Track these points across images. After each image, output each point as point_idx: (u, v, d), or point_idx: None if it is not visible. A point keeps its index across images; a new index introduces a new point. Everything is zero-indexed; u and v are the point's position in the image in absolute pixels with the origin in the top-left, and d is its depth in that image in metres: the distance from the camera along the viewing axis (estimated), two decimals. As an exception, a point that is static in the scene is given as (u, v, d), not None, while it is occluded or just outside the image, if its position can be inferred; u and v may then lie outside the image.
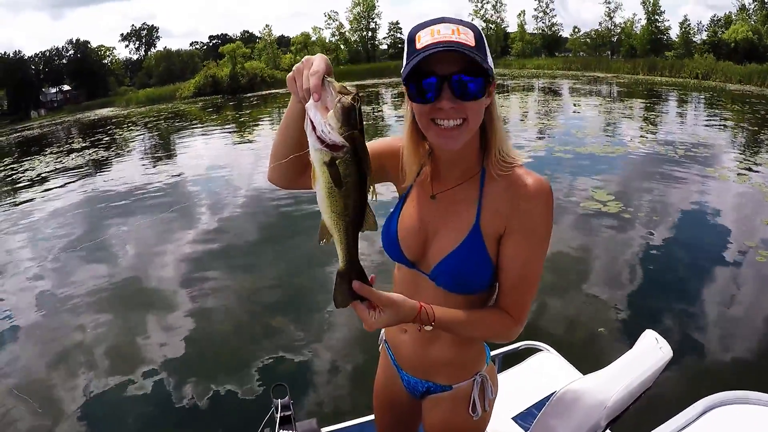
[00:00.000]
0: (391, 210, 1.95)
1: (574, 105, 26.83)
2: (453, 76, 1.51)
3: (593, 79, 48.40)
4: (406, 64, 1.55)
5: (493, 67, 1.58)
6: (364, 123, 1.32)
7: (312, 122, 1.28)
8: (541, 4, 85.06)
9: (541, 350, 3.49)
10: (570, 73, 58.43)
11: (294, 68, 1.44)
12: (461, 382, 2.02)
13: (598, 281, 6.74)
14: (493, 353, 3.29)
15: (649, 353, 2.46)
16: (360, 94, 1.29)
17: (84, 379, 5.65)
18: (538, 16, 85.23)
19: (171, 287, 7.78)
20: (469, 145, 1.70)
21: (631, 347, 2.56)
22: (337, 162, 1.27)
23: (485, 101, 1.62)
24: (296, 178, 1.77)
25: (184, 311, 6.97)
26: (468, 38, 1.50)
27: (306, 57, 1.42)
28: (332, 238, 1.41)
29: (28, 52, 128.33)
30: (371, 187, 1.38)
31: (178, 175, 16.42)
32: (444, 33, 1.49)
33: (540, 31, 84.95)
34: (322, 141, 1.26)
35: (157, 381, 5.47)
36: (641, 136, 16.33)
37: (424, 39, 1.51)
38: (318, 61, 1.38)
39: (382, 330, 2.23)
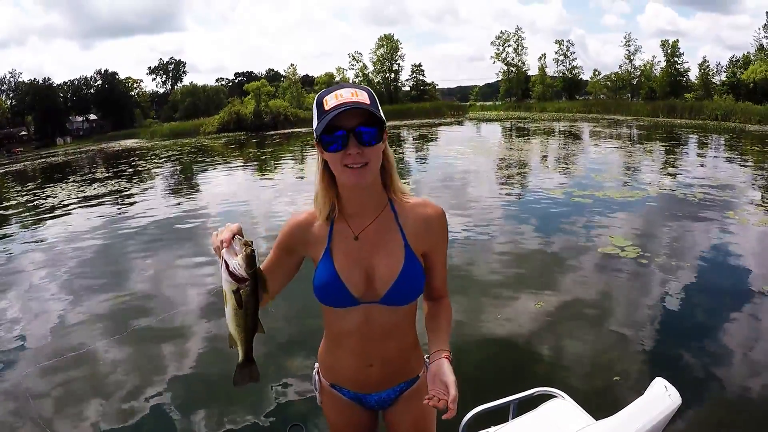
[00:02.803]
0: (319, 271, 2.20)
1: (594, 148, 26.77)
2: (356, 128, 1.91)
3: (613, 122, 48.32)
4: (319, 123, 1.93)
5: (383, 118, 1.96)
6: None
7: (226, 262, 1.79)
8: (561, 47, 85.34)
9: (555, 396, 3.51)
10: (590, 116, 58.40)
11: (213, 234, 1.92)
12: (422, 369, 2.48)
13: (615, 327, 6.59)
14: (506, 399, 3.35)
15: (658, 401, 2.50)
16: (252, 246, 1.81)
17: (90, 409, 5.64)
18: (558, 59, 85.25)
19: (185, 321, 7.79)
20: (375, 183, 2.11)
21: (642, 393, 2.61)
22: (240, 291, 1.81)
23: (381, 145, 2.02)
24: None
25: (198, 346, 6.97)
26: (364, 98, 1.93)
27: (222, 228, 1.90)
28: (236, 345, 1.98)
29: (57, 80, 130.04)
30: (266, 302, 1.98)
31: (199, 209, 16.50)
32: (345, 96, 1.91)
33: (560, 74, 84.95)
34: (232, 275, 1.79)
35: (167, 415, 5.46)
36: (660, 180, 16.21)
37: (330, 102, 1.92)
38: (228, 227, 1.88)
39: (316, 381, 2.56)
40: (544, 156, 24.29)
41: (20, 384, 6.35)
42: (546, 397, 3.52)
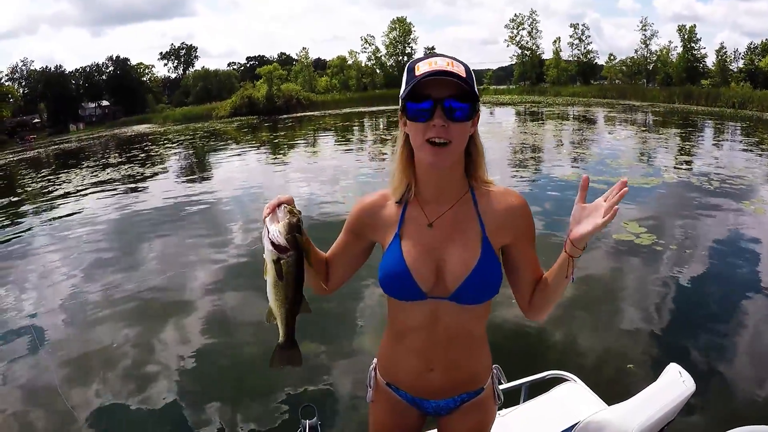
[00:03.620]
0: (386, 259, 2.02)
1: (609, 134, 26.59)
2: (446, 100, 1.74)
3: (628, 107, 48.04)
4: (406, 86, 1.79)
5: (478, 96, 1.81)
6: None
7: (267, 229, 1.73)
8: (576, 31, 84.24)
9: (567, 380, 3.48)
10: (605, 101, 57.99)
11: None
12: (487, 381, 2.23)
13: (628, 313, 6.63)
14: (518, 382, 3.32)
15: (672, 386, 2.48)
16: (300, 216, 1.76)
17: (103, 394, 5.68)
18: (573, 43, 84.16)
19: (198, 304, 7.81)
20: (456, 169, 1.95)
21: (655, 379, 2.59)
22: (281, 261, 1.70)
23: (470, 127, 1.85)
24: (322, 290, 2.20)
25: (211, 329, 7.01)
26: (460, 70, 1.75)
27: None
28: (275, 320, 1.81)
29: (69, 67, 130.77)
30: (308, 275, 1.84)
31: (211, 193, 16.54)
32: (440, 64, 1.74)
33: (575, 59, 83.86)
34: (272, 243, 1.70)
35: (180, 399, 5.48)
36: (676, 167, 16.07)
37: (422, 68, 1.75)
38: (279, 196, 1.82)
39: (372, 377, 2.35)
40: (558, 141, 24.16)
41: (37, 363, 6.42)
42: (557, 381, 3.50)
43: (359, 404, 5.14)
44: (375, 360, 2.37)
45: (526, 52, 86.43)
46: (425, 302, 1.97)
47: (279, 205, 1.80)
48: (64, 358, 6.53)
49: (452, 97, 1.74)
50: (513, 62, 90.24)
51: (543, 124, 33.02)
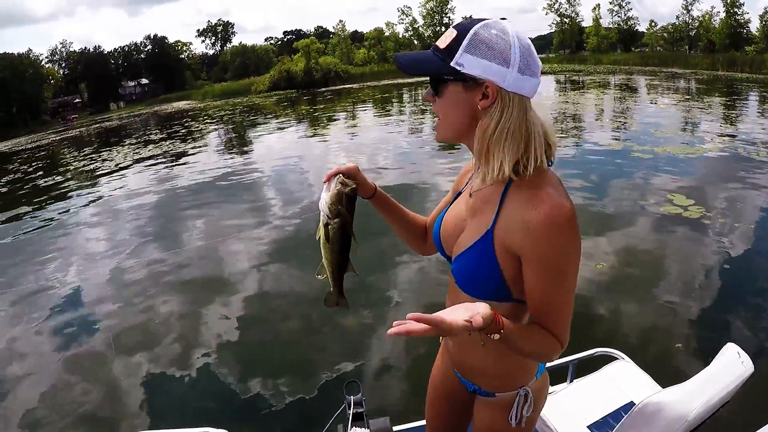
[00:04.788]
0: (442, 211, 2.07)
1: (652, 102, 26.08)
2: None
3: (671, 75, 47.13)
4: None
5: (473, 72, 1.60)
6: None
7: (321, 195, 1.84)
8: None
9: (617, 359, 3.36)
10: (647, 68, 56.90)
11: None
12: (504, 393, 2.00)
13: (676, 289, 6.39)
14: (565, 360, 3.23)
15: (731, 367, 2.40)
16: (354, 188, 1.84)
17: (148, 366, 5.77)
18: (613, 10, 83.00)
19: (241, 279, 7.85)
20: (491, 150, 1.68)
21: (708, 360, 2.49)
22: (329, 226, 1.83)
23: (459, 100, 1.66)
24: (420, 249, 2.29)
25: (254, 304, 7.02)
26: (443, 41, 1.65)
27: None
28: (325, 274, 1.97)
29: (108, 47, 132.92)
30: (354, 241, 1.91)
31: (252, 166, 16.64)
32: (438, 41, 1.68)
33: (616, 26, 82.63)
34: (321, 210, 1.83)
35: (224, 373, 5.54)
36: (722, 136, 15.66)
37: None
38: (339, 166, 1.89)
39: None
40: (600, 110, 23.76)
41: (83, 333, 6.57)
42: (606, 360, 3.41)
43: (405, 380, 5.14)
44: None
45: (565, 19, 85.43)
46: (450, 267, 1.91)
47: (337, 174, 1.86)
48: (109, 330, 6.63)
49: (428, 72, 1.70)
50: (552, 30, 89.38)
51: (584, 92, 32.44)
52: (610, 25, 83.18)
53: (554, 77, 50.94)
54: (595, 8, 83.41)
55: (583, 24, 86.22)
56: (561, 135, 17.17)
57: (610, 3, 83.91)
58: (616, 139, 15.39)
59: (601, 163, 12.64)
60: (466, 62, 1.60)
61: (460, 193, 2.00)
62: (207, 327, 6.48)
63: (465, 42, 1.60)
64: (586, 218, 8.71)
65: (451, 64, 1.61)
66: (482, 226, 1.74)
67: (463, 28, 1.63)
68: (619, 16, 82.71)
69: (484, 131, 1.64)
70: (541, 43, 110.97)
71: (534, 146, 1.67)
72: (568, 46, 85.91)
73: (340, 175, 1.87)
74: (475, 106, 1.64)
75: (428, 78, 1.70)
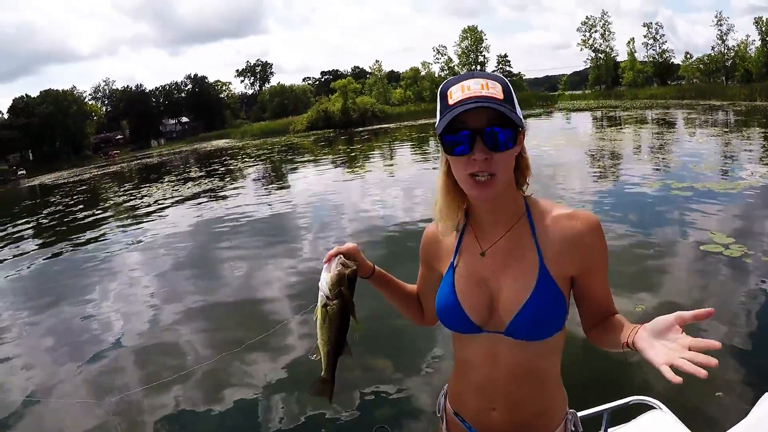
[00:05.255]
0: (440, 290, 1.91)
1: (690, 136, 25.81)
2: (485, 129, 1.57)
3: (708, 107, 46.60)
4: (441, 119, 1.62)
5: (521, 117, 1.63)
6: None
7: (321, 276, 1.84)
8: (650, 30, 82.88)
9: (653, 408, 3.16)
10: (684, 102, 56.10)
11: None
12: (559, 427, 1.95)
13: (716, 333, 5.94)
14: (599, 408, 3.14)
15: (768, 419, 2.37)
16: (354, 270, 1.82)
17: (177, 392, 5.84)
18: (648, 44, 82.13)
19: (272, 315, 7.89)
20: (508, 192, 1.74)
21: (748, 409, 2.46)
22: (327, 307, 1.79)
23: (515, 150, 1.66)
24: (420, 321, 2.25)
25: (283, 341, 7.04)
26: (497, 92, 1.58)
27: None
28: (319, 355, 1.89)
29: (149, 85, 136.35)
30: (354, 321, 1.85)
31: (290, 206, 16.77)
32: (474, 89, 1.58)
33: (651, 59, 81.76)
34: (321, 290, 1.81)
35: (249, 409, 5.56)
36: (763, 170, 15.30)
37: (455, 95, 1.60)
38: (341, 246, 1.89)
39: (442, 404, 2.17)
40: (638, 146, 23.53)
41: (113, 378, 6.57)
42: (642, 409, 3.24)
43: (433, 426, 5.07)
44: (446, 386, 2.17)
45: (600, 55, 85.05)
46: (481, 336, 1.81)
47: (338, 254, 1.85)
48: (140, 360, 6.78)
49: (492, 125, 1.57)
50: (587, 66, 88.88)
51: (621, 128, 32.23)
52: (645, 59, 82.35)
53: (591, 114, 50.85)
54: (629, 42, 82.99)
55: (618, 59, 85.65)
56: (600, 172, 17.08)
57: (645, 36, 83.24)
58: (654, 176, 15.17)
59: (640, 200, 12.43)
60: (518, 112, 1.63)
61: (453, 264, 1.89)
62: (232, 361, 6.50)
63: (511, 92, 1.63)
64: (625, 257, 8.52)
65: (517, 113, 1.62)
66: (529, 271, 1.72)
67: (501, 80, 1.65)
68: (653, 50, 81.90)
69: (527, 163, 1.78)
70: (577, 79, 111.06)
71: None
72: (603, 82, 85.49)
73: (341, 255, 1.86)
74: (514, 156, 1.68)
75: (467, 127, 1.58)
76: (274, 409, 5.55)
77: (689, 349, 1.33)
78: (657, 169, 16.50)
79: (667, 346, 1.38)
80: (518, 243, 1.75)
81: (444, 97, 1.64)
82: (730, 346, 5.77)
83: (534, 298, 1.69)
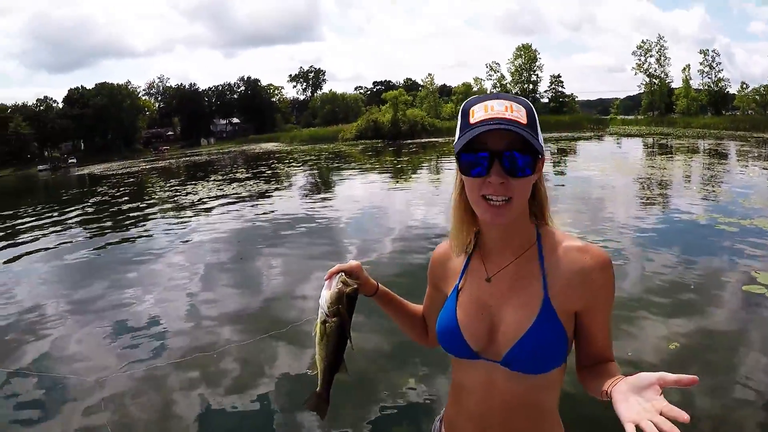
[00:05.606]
0: (441, 312, 1.89)
1: (741, 170, 25.27)
2: (505, 152, 1.55)
3: (763, 140, 45.65)
4: (460, 137, 1.60)
5: (542, 143, 1.61)
6: None
7: (321, 293, 1.88)
8: (706, 57, 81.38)
9: None
10: (737, 133, 54.82)
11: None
12: None
13: (756, 378, 5.66)
14: None
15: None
16: (355, 288, 1.86)
17: (203, 396, 5.86)
18: (703, 71, 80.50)
19: (309, 321, 7.86)
20: (520, 219, 1.72)
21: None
22: (326, 324, 1.83)
23: (533, 178, 1.64)
24: (424, 342, 2.25)
25: (301, 337, 7.06)
26: (520, 115, 1.56)
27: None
28: (316, 371, 1.92)
29: (202, 85, 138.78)
30: (349, 342, 1.88)
31: (333, 213, 16.85)
32: (497, 110, 1.56)
33: (706, 87, 79.98)
34: (320, 307, 1.85)
35: (272, 412, 5.58)
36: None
37: (477, 114, 1.58)
38: (344, 264, 1.94)
39: (436, 424, 2.15)
40: (687, 176, 23.13)
41: (149, 369, 6.63)
42: None
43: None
44: (443, 410, 2.12)
45: (654, 80, 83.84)
46: (479, 363, 1.77)
47: (339, 272, 1.88)
48: (173, 355, 6.84)
49: (512, 149, 1.55)
50: (641, 91, 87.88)
51: (671, 157, 31.67)
52: (700, 87, 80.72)
53: (642, 140, 50.27)
54: (685, 68, 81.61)
55: (673, 85, 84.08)
56: (646, 200, 16.89)
57: (701, 63, 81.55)
58: (701, 208, 14.84)
59: (683, 233, 12.11)
60: (540, 138, 1.61)
61: (458, 287, 1.86)
62: (263, 364, 6.55)
63: (535, 118, 1.62)
64: (662, 289, 8.28)
65: (539, 140, 1.59)
66: (532, 300, 1.69)
67: (525, 104, 1.62)
68: (709, 78, 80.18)
69: (545, 197, 1.79)
70: (630, 103, 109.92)
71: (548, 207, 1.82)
72: (656, 108, 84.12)
73: (342, 273, 1.89)
74: (533, 181, 1.67)
75: (486, 149, 1.57)
76: (286, 410, 5.56)
77: (660, 413, 1.25)
78: (705, 201, 16.16)
79: (640, 404, 1.31)
80: (525, 272, 1.73)
81: (466, 114, 1.63)
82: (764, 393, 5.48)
83: (534, 330, 1.66)
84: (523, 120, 1.56)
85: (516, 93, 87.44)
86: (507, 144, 1.54)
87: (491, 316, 1.75)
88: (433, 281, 2.03)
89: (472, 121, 1.58)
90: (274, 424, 5.34)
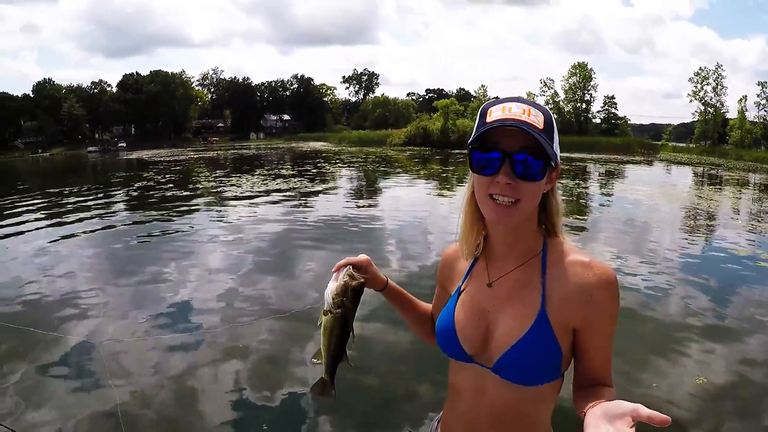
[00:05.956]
0: (441, 312, 1.90)
1: (792, 208, 24.88)
2: (516, 155, 1.54)
3: (817, 180, 44.79)
4: (475, 131, 1.61)
5: (558, 153, 1.62)
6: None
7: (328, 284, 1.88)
8: (764, 90, 77.82)
9: None
10: (792, 170, 54.28)
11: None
12: None
13: None
14: None
15: None
16: (361, 282, 1.87)
17: (234, 386, 5.91)
18: (760, 104, 77.90)
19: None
20: (527, 227, 1.69)
21: None
22: (331, 315, 1.84)
23: (543, 185, 1.61)
24: (431, 342, 2.08)
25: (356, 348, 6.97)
26: (537, 120, 1.55)
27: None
28: (320, 360, 1.93)
29: (256, 80, 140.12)
30: (352, 334, 1.88)
31: (376, 216, 16.96)
32: (515, 111, 1.55)
33: (761, 120, 77.69)
34: (325, 298, 1.86)
35: (296, 397, 5.63)
36: None
37: (495, 114, 1.57)
38: (353, 258, 1.95)
39: (433, 425, 2.13)
40: (735, 209, 22.67)
41: (185, 341, 6.95)
42: None
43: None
44: (441, 412, 2.08)
45: (709, 108, 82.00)
46: (473, 367, 1.75)
47: (347, 265, 1.89)
48: (208, 345, 6.97)
49: (525, 151, 1.54)
50: (695, 119, 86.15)
51: (720, 189, 31.04)
52: (756, 120, 78.58)
53: (692, 168, 49.51)
54: (741, 99, 79.29)
55: (728, 115, 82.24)
56: (690, 229, 16.69)
57: (758, 96, 79.09)
58: (746, 243, 14.53)
59: (723, 267, 11.74)
60: (555, 146, 1.60)
61: (460, 289, 1.87)
62: (295, 362, 6.55)
63: (552, 126, 1.61)
64: (693, 324, 7.96)
65: (554, 148, 1.59)
66: (530, 311, 1.65)
67: (545, 111, 1.61)
68: (765, 111, 78.05)
69: (557, 208, 1.73)
70: (683, 130, 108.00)
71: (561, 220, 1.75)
72: (709, 138, 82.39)
73: (350, 266, 1.89)
74: (544, 189, 1.65)
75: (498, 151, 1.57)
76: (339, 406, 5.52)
77: None
78: (749, 237, 15.73)
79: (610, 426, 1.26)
80: (526, 281, 1.69)
81: (483, 114, 1.63)
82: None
83: (526, 340, 1.63)
84: (540, 125, 1.55)
85: (568, 111, 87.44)
86: (520, 147, 1.54)
87: (488, 321, 1.73)
88: (441, 281, 2.05)
89: (488, 120, 1.58)
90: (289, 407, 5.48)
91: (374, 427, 5.35)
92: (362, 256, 1.96)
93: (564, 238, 1.74)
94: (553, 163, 1.59)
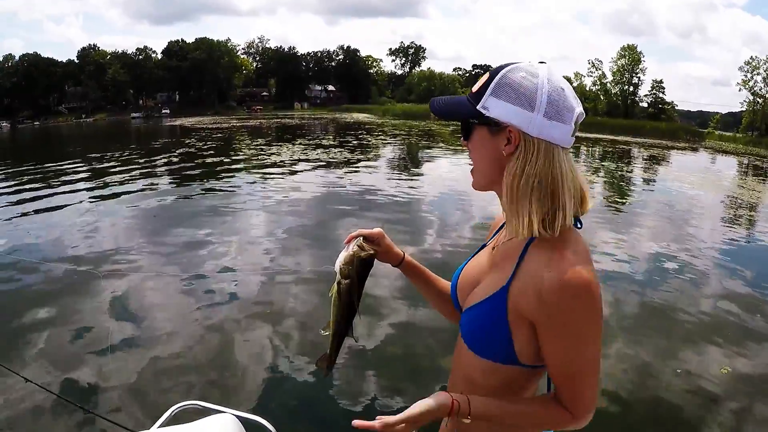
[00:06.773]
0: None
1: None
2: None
3: None
4: None
5: (505, 109, 1.51)
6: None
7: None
8: (815, 82, 75.35)
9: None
10: (838, 165, 52.99)
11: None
12: None
13: None
14: None
15: None
16: (371, 254, 1.83)
17: (273, 353, 6.02)
18: (810, 96, 75.29)
19: (379, 300, 7.67)
20: (510, 205, 1.57)
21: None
22: (340, 285, 1.82)
23: (490, 147, 1.57)
24: (454, 319, 1.97)
25: (389, 323, 7.03)
26: (477, 85, 1.59)
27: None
28: (328, 332, 1.89)
29: (301, 49, 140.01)
30: (358, 307, 1.85)
31: (416, 189, 17.03)
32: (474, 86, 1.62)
33: None
34: (335, 268, 1.84)
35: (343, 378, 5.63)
36: None
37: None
38: (363, 230, 1.89)
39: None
40: (777, 203, 22.52)
41: (223, 307, 7.08)
42: None
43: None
44: None
45: (758, 99, 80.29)
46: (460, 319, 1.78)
47: (359, 236, 1.86)
48: (244, 310, 7.09)
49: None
50: (743, 109, 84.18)
51: (765, 181, 30.86)
52: (805, 111, 76.93)
53: (736, 158, 48.66)
54: (791, 90, 77.43)
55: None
56: (731, 219, 16.55)
57: None
58: None
59: (762, 260, 11.68)
60: (491, 106, 1.53)
61: (484, 245, 1.88)
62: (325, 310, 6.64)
63: (492, 85, 1.55)
64: (726, 313, 7.89)
65: (477, 107, 1.55)
66: (498, 282, 1.60)
67: (494, 71, 1.58)
68: (815, 103, 75.30)
69: (511, 180, 1.54)
70: (731, 120, 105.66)
71: (563, 200, 1.51)
72: (757, 128, 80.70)
73: (361, 237, 1.86)
74: (501, 153, 1.54)
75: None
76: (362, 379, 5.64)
77: None
78: None
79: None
80: (509, 256, 1.63)
81: None
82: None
83: (482, 306, 1.63)
84: (475, 88, 1.60)
85: (615, 93, 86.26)
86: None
87: (478, 280, 1.74)
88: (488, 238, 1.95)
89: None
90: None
91: (396, 394, 5.42)
92: (376, 229, 1.93)
93: (564, 227, 1.53)
94: (475, 120, 1.58)
